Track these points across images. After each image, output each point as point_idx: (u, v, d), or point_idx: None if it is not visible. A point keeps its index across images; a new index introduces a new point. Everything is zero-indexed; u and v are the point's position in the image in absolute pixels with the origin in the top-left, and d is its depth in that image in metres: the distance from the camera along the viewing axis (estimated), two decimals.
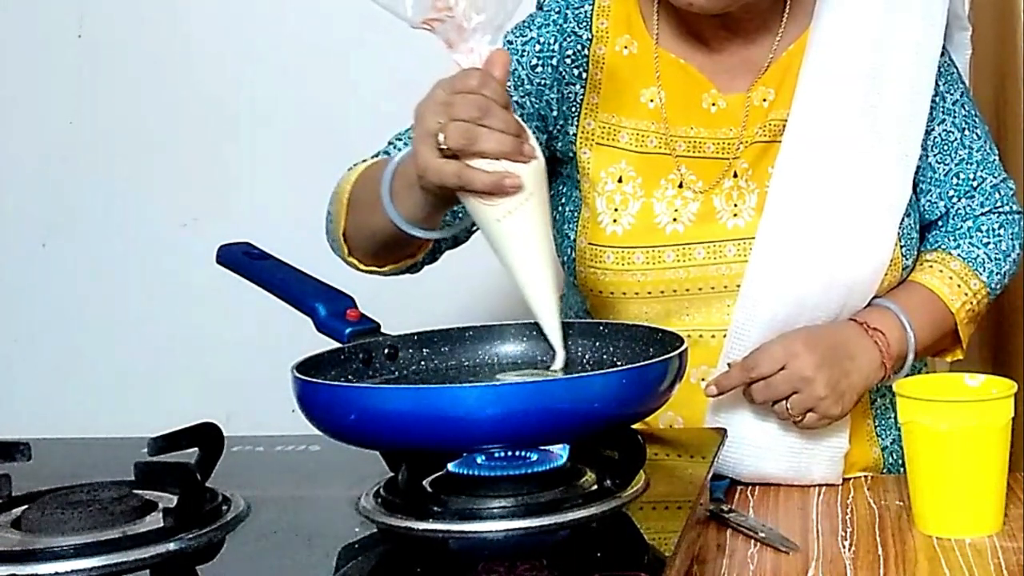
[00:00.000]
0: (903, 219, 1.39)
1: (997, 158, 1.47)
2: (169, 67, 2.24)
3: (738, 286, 1.36)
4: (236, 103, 2.22)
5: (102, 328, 2.30)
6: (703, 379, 1.36)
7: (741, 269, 1.36)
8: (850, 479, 1.38)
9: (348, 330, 1.17)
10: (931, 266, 1.43)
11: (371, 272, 1.35)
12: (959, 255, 1.43)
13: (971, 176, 1.45)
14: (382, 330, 1.18)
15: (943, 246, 1.45)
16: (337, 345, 1.16)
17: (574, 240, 1.41)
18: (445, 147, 1.08)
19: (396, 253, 1.33)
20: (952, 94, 1.45)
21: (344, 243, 1.34)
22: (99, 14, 2.24)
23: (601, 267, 1.38)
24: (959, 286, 1.41)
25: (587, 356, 1.19)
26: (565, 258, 1.43)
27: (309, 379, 1.03)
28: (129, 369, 2.29)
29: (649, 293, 1.37)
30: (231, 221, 2.12)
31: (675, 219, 1.37)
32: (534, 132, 1.37)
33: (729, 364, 1.33)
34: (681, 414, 1.38)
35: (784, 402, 1.31)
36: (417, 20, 1.12)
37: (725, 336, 1.36)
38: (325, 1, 2.19)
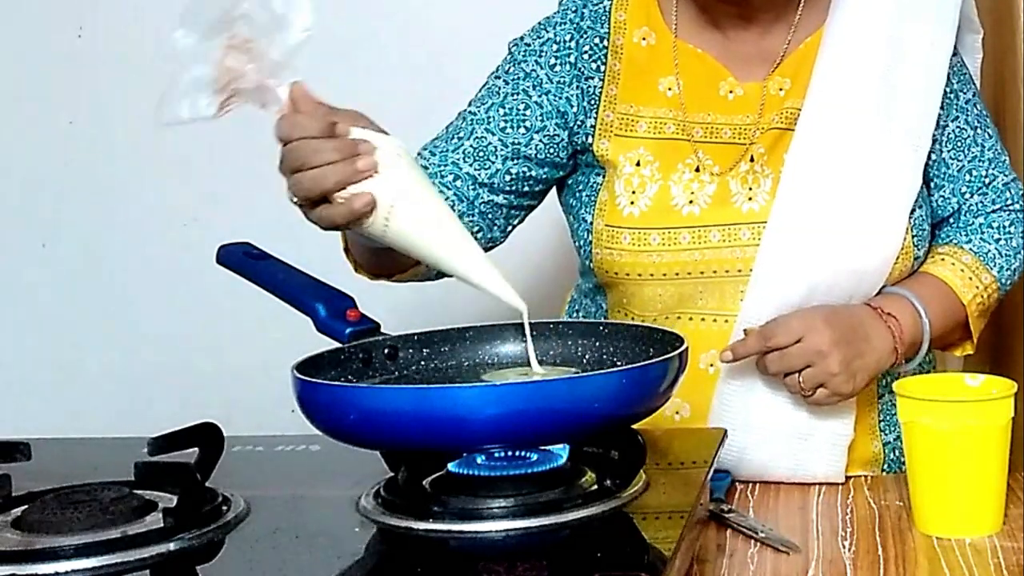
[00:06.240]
0: (915, 210, 1.41)
1: (1007, 158, 1.50)
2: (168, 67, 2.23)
3: (751, 270, 1.37)
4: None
5: (102, 328, 2.29)
6: (711, 365, 1.37)
7: (754, 253, 1.37)
8: (850, 479, 1.38)
9: (348, 330, 1.17)
10: (943, 259, 1.45)
11: (381, 280, 1.37)
12: (971, 249, 1.45)
13: (983, 173, 1.47)
14: (382, 330, 1.18)
15: (955, 240, 1.47)
16: (337, 345, 1.16)
17: (591, 223, 1.42)
18: (298, 202, 1.11)
19: (396, 264, 1.34)
20: (965, 93, 1.47)
21: (348, 258, 1.37)
22: (99, 14, 2.24)
23: (617, 248, 1.39)
24: (971, 279, 1.43)
25: (587, 356, 1.19)
26: (581, 242, 1.44)
27: (309, 379, 1.03)
28: (129, 369, 2.29)
29: (664, 275, 1.38)
30: (231, 221, 2.11)
31: (691, 201, 1.38)
32: (555, 129, 1.41)
33: (746, 331, 1.34)
34: (688, 401, 1.39)
35: (797, 375, 1.32)
36: (215, 111, 1.12)
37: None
38: (325, 1, 2.19)
